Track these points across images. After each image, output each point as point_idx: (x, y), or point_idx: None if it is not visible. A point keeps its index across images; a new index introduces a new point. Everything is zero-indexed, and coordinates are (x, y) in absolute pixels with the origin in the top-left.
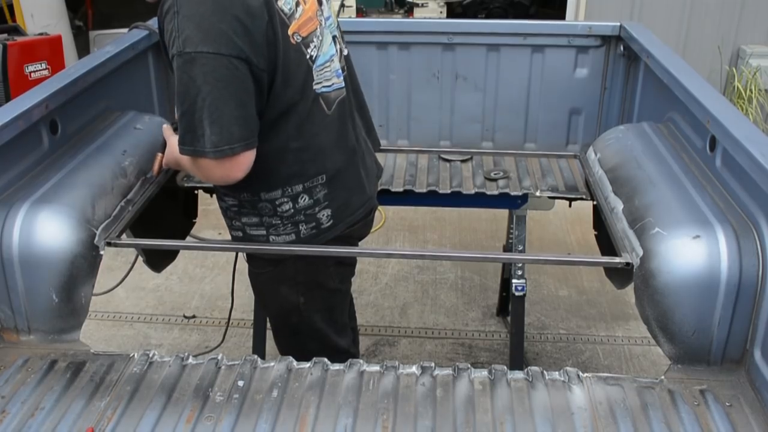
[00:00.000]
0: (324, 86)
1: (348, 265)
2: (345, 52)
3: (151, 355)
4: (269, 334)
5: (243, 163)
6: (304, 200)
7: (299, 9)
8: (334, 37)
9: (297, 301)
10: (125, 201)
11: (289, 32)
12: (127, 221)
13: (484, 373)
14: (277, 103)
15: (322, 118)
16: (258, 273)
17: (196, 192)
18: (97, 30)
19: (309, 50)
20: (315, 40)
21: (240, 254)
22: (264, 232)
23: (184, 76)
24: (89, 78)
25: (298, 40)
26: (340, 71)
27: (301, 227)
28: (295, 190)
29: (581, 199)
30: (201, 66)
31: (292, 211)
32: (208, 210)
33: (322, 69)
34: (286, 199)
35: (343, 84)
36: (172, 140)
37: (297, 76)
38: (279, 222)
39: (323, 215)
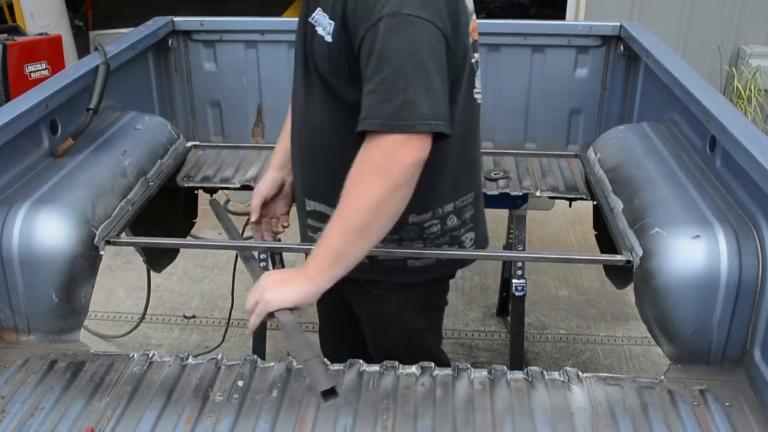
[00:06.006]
0: (479, 95)
1: (448, 282)
2: None
3: (150, 355)
4: (269, 334)
5: (428, 150)
6: (452, 221)
7: (473, 13)
8: None
9: (420, 326)
10: (125, 201)
11: (470, 29)
12: (127, 220)
13: (484, 373)
14: (450, 102)
15: (477, 129)
16: (379, 298)
17: (196, 192)
18: (97, 30)
19: (476, 55)
20: (478, 47)
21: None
22: (401, 257)
23: (395, 38)
24: (89, 78)
25: (472, 41)
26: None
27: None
28: (446, 210)
29: (581, 199)
30: (418, 31)
31: (439, 233)
32: (208, 210)
33: (478, 78)
34: (435, 221)
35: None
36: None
37: (469, 77)
38: (422, 245)
39: (467, 238)
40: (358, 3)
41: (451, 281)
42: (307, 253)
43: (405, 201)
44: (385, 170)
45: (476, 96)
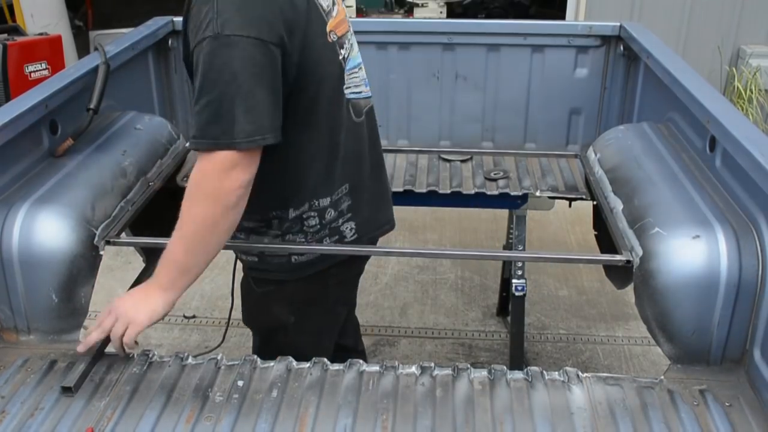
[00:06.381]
0: (353, 92)
1: (347, 285)
2: None
3: (150, 355)
4: None
5: (259, 158)
6: (330, 214)
7: (335, 8)
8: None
9: (287, 321)
10: (125, 201)
11: (327, 29)
12: (126, 220)
13: (484, 373)
14: (310, 103)
15: (352, 125)
16: (256, 290)
17: None
18: (97, 30)
19: (342, 51)
20: (346, 42)
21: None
22: (285, 253)
23: (217, 60)
24: (89, 78)
25: (334, 39)
26: (367, 80)
27: (324, 242)
28: (322, 204)
29: (581, 199)
30: (240, 50)
31: (318, 226)
32: None
33: (351, 74)
34: (313, 214)
35: (371, 93)
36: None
37: (330, 77)
38: (303, 239)
39: (347, 228)
40: (192, 14)
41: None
42: (303, 253)
43: (239, 216)
44: (216, 195)
45: (347, 92)
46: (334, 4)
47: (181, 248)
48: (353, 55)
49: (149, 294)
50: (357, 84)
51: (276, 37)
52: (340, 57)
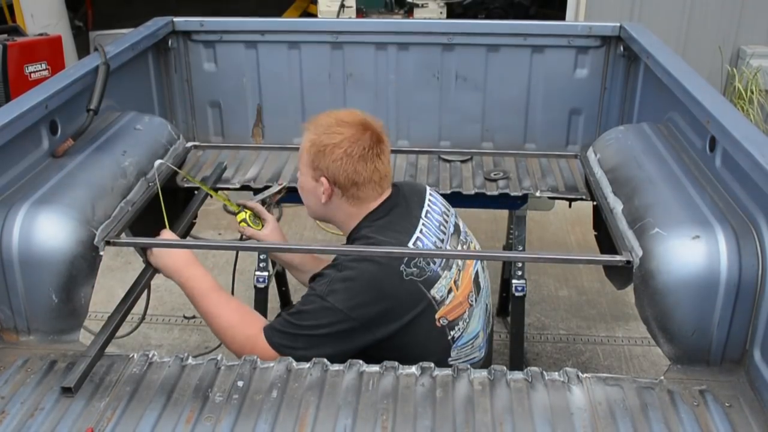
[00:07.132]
0: (463, 360)
1: None
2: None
3: (150, 356)
4: None
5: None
6: None
7: (450, 296)
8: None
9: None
10: (125, 201)
11: (437, 316)
12: (126, 220)
13: (484, 373)
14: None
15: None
16: None
17: (195, 192)
18: (97, 30)
19: (452, 332)
20: (461, 323)
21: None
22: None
23: (311, 307)
24: (89, 78)
25: (444, 324)
26: (483, 343)
27: None
28: None
29: (581, 199)
30: (329, 315)
31: None
32: (208, 210)
33: (465, 346)
34: None
35: (483, 355)
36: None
37: (431, 353)
38: None
39: None
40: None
41: None
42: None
43: None
44: (245, 352)
45: (458, 362)
46: (449, 292)
47: (204, 307)
48: (470, 330)
49: (173, 269)
50: (469, 353)
51: (366, 323)
52: (449, 337)
